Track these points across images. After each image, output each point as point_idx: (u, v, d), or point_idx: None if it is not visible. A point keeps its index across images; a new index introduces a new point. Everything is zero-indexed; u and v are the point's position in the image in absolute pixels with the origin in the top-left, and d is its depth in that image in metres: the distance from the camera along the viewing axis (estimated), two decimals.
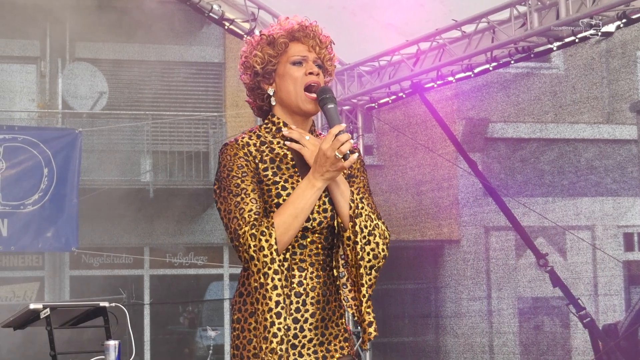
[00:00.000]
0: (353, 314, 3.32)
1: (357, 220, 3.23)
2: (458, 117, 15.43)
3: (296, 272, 3.23)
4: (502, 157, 16.38)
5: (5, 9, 14.65)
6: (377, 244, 3.27)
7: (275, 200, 3.21)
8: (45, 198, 10.72)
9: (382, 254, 3.28)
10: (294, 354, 3.20)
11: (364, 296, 3.25)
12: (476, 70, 8.54)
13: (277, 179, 3.24)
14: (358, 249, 3.23)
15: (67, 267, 16.05)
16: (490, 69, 8.40)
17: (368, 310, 3.25)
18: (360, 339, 3.29)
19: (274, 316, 3.10)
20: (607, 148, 16.71)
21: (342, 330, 3.34)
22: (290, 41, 3.34)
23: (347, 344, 3.34)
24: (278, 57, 3.34)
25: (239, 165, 3.23)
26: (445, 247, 16.59)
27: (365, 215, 3.26)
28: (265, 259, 3.12)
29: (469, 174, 14.15)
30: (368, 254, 3.25)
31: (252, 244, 3.11)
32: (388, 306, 15.94)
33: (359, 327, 3.36)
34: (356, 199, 3.26)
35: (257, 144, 3.30)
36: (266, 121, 3.38)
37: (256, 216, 3.15)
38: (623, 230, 16.76)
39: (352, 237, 3.23)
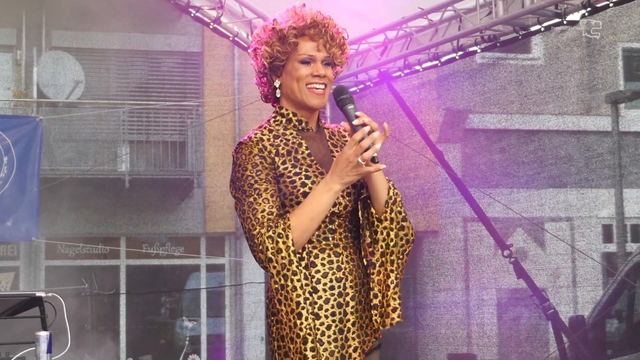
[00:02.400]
0: (375, 299, 3.33)
1: (393, 207, 3.33)
2: (428, 106, 15.36)
3: (333, 257, 3.29)
4: (481, 148, 16.34)
5: None
6: (409, 228, 3.38)
7: (302, 190, 3.27)
8: (5, 187, 10.60)
9: (412, 238, 3.39)
10: (341, 339, 3.24)
11: (392, 282, 3.31)
12: (443, 59, 8.48)
13: (298, 170, 3.29)
14: (392, 235, 3.31)
15: (43, 257, 15.96)
16: (457, 57, 8.34)
17: (394, 296, 3.30)
18: (378, 322, 3.32)
19: (295, 317, 3.17)
20: (586, 139, 16.67)
21: (374, 313, 3.39)
22: (300, 37, 3.37)
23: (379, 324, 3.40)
24: (287, 53, 3.37)
25: (254, 163, 3.27)
26: (424, 238, 16.55)
27: (399, 201, 3.36)
28: (283, 261, 3.17)
29: (427, 166, 14.11)
30: (401, 239, 3.34)
31: (269, 246, 3.16)
32: None
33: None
34: (391, 186, 3.36)
35: (271, 138, 3.35)
36: (274, 114, 3.45)
37: (270, 216, 3.19)
38: (601, 222, 16.73)
39: (387, 223, 3.31)
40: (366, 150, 3.13)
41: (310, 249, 3.26)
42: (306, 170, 3.30)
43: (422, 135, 8.44)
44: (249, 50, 3.58)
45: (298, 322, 3.16)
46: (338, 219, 3.31)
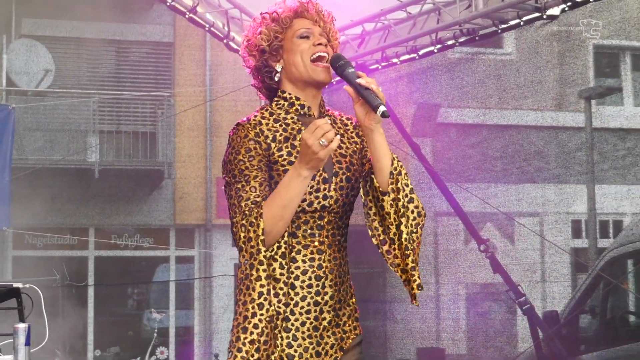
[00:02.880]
0: (404, 274, 3.23)
1: (399, 178, 3.19)
2: (405, 100, 15.35)
3: (315, 255, 3.23)
4: (452, 143, 16.35)
5: None
6: (418, 201, 3.24)
7: None
8: None
9: (423, 211, 3.24)
10: (315, 336, 3.21)
11: (412, 260, 3.19)
12: (421, 52, 8.44)
13: (293, 159, 3.21)
14: (400, 207, 3.18)
15: (10, 247, 15.79)
16: (435, 51, 8.31)
17: (413, 272, 3.18)
18: (411, 297, 3.23)
19: (256, 307, 3.10)
20: (558, 135, 16.73)
21: (353, 310, 3.35)
22: (294, 17, 3.35)
23: (357, 323, 3.36)
24: (284, 32, 3.33)
25: (247, 148, 3.20)
26: None
27: (405, 174, 3.22)
28: (252, 250, 3.11)
29: (404, 159, 14.10)
30: (412, 212, 3.20)
31: (242, 234, 3.12)
32: None
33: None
34: (395, 157, 3.23)
35: (270, 122, 3.28)
36: (276, 98, 3.36)
37: (252, 205, 3.12)
38: (571, 217, 16.80)
39: (395, 195, 3.18)
40: (328, 132, 3.01)
41: (294, 243, 3.20)
42: None
43: (399, 129, 8.40)
44: (240, 52, 3.49)
45: (258, 312, 3.10)
46: (328, 215, 3.25)
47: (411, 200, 3.20)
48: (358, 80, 3.10)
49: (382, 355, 16.65)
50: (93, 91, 16.16)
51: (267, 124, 3.28)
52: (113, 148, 16.21)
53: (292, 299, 3.19)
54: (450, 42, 8.15)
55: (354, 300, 3.37)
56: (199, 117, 16.38)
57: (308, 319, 3.20)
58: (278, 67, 3.35)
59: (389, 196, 3.19)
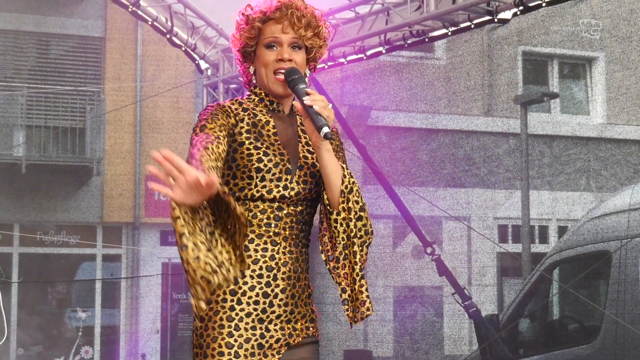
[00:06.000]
0: (344, 293, 3.24)
1: (350, 196, 3.19)
2: (343, 101, 15.35)
3: (269, 246, 3.18)
4: (382, 146, 16.38)
5: None
6: (367, 219, 3.23)
7: (256, 165, 3.17)
8: None
9: (371, 229, 3.24)
10: (260, 328, 3.14)
11: (357, 274, 3.21)
12: (368, 53, 8.40)
13: (259, 144, 3.20)
14: (352, 226, 3.19)
15: None
16: (383, 52, 8.27)
17: (362, 289, 3.20)
18: (350, 317, 3.23)
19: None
20: (486, 140, 16.87)
21: (310, 310, 3.30)
22: (265, 22, 3.29)
23: (313, 324, 3.30)
24: (255, 39, 3.31)
25: (213, 114, 3.19)
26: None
27: (356, 190, 3.21)
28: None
29: (349, 160, 14.02)
30: (360, 229, 3.20)
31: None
32: None
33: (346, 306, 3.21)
34: (347, 174, 3.21)
35: (239, 110, 3.28)
36: (248, 93, 3.38)
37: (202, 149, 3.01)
38: (498, 222, 16.96)
39: (346, 214, 3.19)
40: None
41: (248, 232, 3.10)
42: (267, 147, 3.20)
43: (345, 130, 8.35)
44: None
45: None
46: (288, 208, 3.21)
47: (360, 219, 3.20)
48: (304, 99, 3.11)
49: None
50: (20, 84, 15.86)
51: (236, 109, 3.27)
52: (40, 143, 15.92)
53: (240, 288, 3.14)
54: (399, 43, 8.11)
55: (310, 300, 3.31)
56: (126, 113, 16.13)
57: (255, 309, 3.14)
58: (252, 70, 3.37)
59: (339, 215, 3.20)
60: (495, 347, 7.29)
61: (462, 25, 7.65)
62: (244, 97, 3.38)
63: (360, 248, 3.21)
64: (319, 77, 9.16)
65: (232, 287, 3.12)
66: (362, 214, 3.20)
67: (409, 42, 8.02)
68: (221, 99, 9.21)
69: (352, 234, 3.19)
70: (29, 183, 15.59)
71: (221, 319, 3.12)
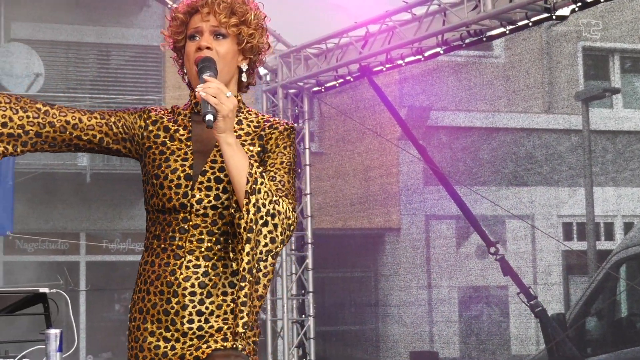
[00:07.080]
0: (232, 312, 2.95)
1: (252, 198, 2.81)
2: (402, 103, 15.33)
3: (171, 260, 2.91)
4: (443, 146, 16.33)
5: None
6: (276, 225, 2.83)
7: (155, 172, 2.93)
8: None
9: (280, 238, 2.85)
10: (165, 347, 2.90)
11: (242, 287, 2.82)
12: (426, 54, 8.39)
13: (165, 149, 2.96)
14: (255, 230, 2.82)
15: (1, 253, 15.67)
16: (441, 52, 8.26)
17: (243, 307, 2.82)
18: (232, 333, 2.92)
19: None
20: (547, 138, 16.73)
21: (231, 325, 2.94)
22: (190, 15, 3.06)
23: (231, 337, 2.93)
24: (182, 33, 3.08)
25: (131, 111, 3.06)
26: (386, 235, 16.51)
27: (265, 192, 2.82)
28: None
29: (410, 162, 14.07)
30: (265, 236, 2.82)
31: None
32: (332, 294, 15.83)
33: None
34: (255, 173, 2.83)
35: (163, 114, 3.06)
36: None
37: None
38: (562, 220, 16.81)
39: (245, 215, 2.81)
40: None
41: (154, 246, 2.96)
42: (171, 153, 2.96)
43: (405, 131, 8.34)
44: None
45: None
46: (195, 219, 2.92)
47: (266, 224, 2.82)
48: (197, 86, 2.87)
49: (374, 358, 16.61)
50: (82, 95, 16.07)
51: (157, 114, 3.07)
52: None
53: (145, 306, 2.96)
54: (456, 44, 8.09)
55: (233, 316, 2.92)
56: None
57: (159, 328, 2.93)
58: (185, 69, 3.12)
59: (241, 219, 2.82)
60: (563, 346, 7.23)
61: (520, 23, 7.62)
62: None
63: (263, 256, 2.85)
64: (377, 79, 9.16)
65: (139, 305, 2.96)
66: (268, 218, 2.82)
67: (466, 42, 8.01)
68: (280, 105, 9.25)
69: (247, 240, 2.82)
70: (94, 192, 15.77)
71: (132, 340, 2.96)
